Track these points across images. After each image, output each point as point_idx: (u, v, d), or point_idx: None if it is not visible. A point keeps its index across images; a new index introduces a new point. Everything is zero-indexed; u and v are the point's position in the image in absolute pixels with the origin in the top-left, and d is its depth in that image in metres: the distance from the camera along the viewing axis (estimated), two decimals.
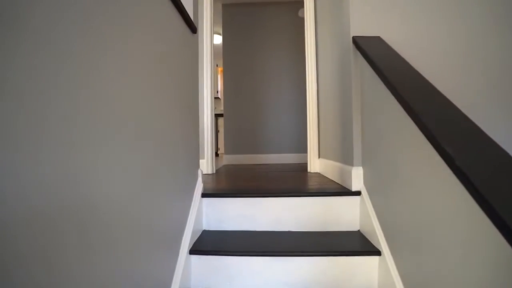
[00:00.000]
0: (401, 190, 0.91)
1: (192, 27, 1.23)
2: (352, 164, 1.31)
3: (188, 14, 1.14)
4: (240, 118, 3.21)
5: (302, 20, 3.21)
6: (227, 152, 3.21)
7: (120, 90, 0.65)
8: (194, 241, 1.18)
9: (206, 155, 2.17)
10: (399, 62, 1.04)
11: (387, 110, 1.01)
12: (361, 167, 1.28)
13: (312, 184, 1.54)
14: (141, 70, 0.75)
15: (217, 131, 5.35)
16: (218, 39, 4.57)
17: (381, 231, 1.09)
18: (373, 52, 1.11)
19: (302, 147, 3.13)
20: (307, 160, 3.08)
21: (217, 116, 5.39)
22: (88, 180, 0.51)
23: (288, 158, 3.14)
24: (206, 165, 2.17)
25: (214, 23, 4.09)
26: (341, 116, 1.51)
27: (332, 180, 1.66)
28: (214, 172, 2.26)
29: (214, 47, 4.91)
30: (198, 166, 1.35)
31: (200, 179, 1.33)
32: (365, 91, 1.22)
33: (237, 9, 3.26)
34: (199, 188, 1.30)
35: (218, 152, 5.30)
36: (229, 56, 3.24)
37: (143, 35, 0.76)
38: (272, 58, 3.20)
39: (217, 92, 5.87)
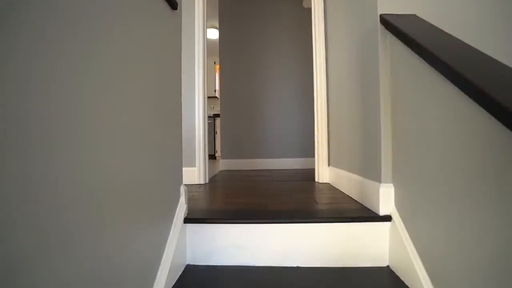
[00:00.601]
0: (464, 215, 0.61)
1: (172, 2, 0.94)
2: (379, 180, 1.02)
3: None
4: (238, 119, 2.92)
5: (307, 11, 2.91)
6: (224, 156, 2.92)
7: (84, 84, 0.37)
8: (173, 282, 0.89)
9: (198, 162, 1.88)
10: (456, 43, 0.75)
11: (438, 107, 0.71)
12: (391, 185, 0.99)
13: (324, 202, 1.24)
14: (101, 54, 0.47)
15: (214, 133, 5.06)
16: (215, 34, 4.29)
17: (423, 269, 0.81)
18: (415, 31, 0.82)
19: (307, 152, 2.84)
20: (312, 166, 2.79)
21: (215, 116, 5.12)
22: None
23: (292, 163, 2.85)
24: (197, 174, 1.87)
25: (210, 16, 3.80)
26: (362, 116, 1.21)
27: (348, 196, 1.37)
28: (207, 181, 1.96)
29: (211, 43, 4.63)
30: (180, 182, 1.06)
31: (183, 199, 1.04)
32: (400, 82, 0.92)
33: (235, 0, 2.97)
34: (181, 210, 1.01)
35: (216, 155, 5.02)
36: (226, 52, 2.95)
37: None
38: (274, 53, 2.91)
39: (215, 91, 5.58)
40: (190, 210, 1.13)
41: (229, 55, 2.95)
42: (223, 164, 2.90)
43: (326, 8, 1.86)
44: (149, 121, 0.78)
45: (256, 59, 2.93)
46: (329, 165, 1.85)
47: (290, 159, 2.86)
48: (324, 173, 1.84)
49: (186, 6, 1.89)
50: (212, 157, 4.86)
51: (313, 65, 1.93)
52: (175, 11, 0.99)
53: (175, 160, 1.01)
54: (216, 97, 5.47)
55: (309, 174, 2.31)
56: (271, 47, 2.92)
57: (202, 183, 1.88)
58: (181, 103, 1.08)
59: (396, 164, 0.96)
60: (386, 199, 0.98)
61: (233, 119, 2.93)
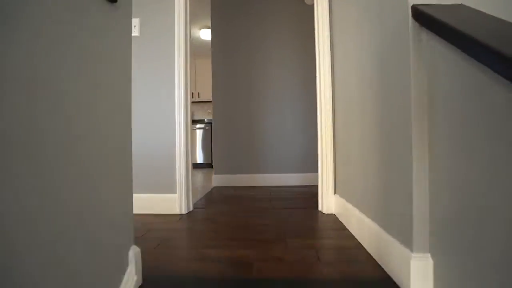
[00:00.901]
0: None
1: None
2: (409, 246, 0.70)
3: None
4: (233, 128, 2.62)
5: (310, 8, 2.60)
6: (217, 171, 2.62)
7: None
8: None
9: (179, 188, 1.58)
10: None
11: None
12: (428, 255, 0.67)
13: (329, 260, 0.93)
14: None
15: (211, 140, 4.78)
16: (208, 35, 4.00)
17: None
18: (471, 26, 0.51)
19: (309, 166, 2.53)
20: (315, 181, 2.48)
21: None
22: None
23: (293, 179, 2.53)
24: (178, 202, 1.58)
25: (203, 14, 3.51)
26: (381, 138, 0.90)
27: (360, 245, 1.05)
28: (191, 209, 1.67)
29: (204, 44, 4.33)
30: (129, 241, 0.76)
31: (132, 268, 0.74)
32: (443, 96, 0.61)
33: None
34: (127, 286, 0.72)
35: (213, 164, 4.72)
36: (219, 54, 2.65)
37: None
38: (272, 55, 2.60)
39: None
40: (150, 271, 0.83)
41: (222, 58, 2.65)
42: (216, 180, 2.61)
43: (332, 5, 1.55)
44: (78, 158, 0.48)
45: (252, 61, 2.62)
46: (335, 192, 1.53)
47: (291, 175, 2.54)
48: (329, 202, 1.53)
49: None
50: (209, 166, 4.57)
51: (316, 71, 1.63)
52: (114, 3, 0.70)
53: (121, 205, 0.71)
54: None
55: (312, 195, 1.99)
56: (269, 48, 2.61)
57: (184, 212, 1.58)
58: (129, 120, 0.78)
59: (437, 221, 0.65)
60: (421, 276, 0.67)
61: (227, 129, 2.63)
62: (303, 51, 2.58)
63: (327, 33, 1.56)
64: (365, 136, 1.05)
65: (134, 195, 1.59)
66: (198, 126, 4.50)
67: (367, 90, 1.02)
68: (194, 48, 4.54)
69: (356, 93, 1.15)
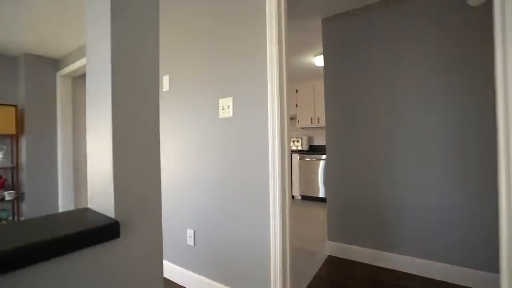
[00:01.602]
0: None
1: (111, 230, 0.47)
2: None
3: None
4: (350, 178, 2.10)
5: (475, 12, 1.70)
6: (331, 237, 2.19)
7: None
8: None
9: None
10: None
11: None
12: None
13: None
14: None
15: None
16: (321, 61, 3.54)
17: None
18: None
19: (467, 256, 1.64)
20: (472, 283, 1.58)
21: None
22: None
23: (435, 270, 1.72)
24: None
25: (315, 40, 3.12)
26: None
27: None
28: None
29: (318, 70, 3.84)
30: None
31: None
32: None
33: (342, 22, 2.17)
34: None
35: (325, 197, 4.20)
36: (331, 80, 2.21)
37: None
38: (407, 83, 1.89)
39: None
40: None
41: (335, 82, 2.20)
42: (329, 248, 2.18)
43: None
44: None
45: (378, 92, 2.01)
46: None
47: (434, 264, 1.74)
48: None
49: (256, 23, 1.40)
50: (317, 199, 4.11)
51: (496, 108, 0.93)
52: (117, 239, 0.52)
53: None
54: None
55: None
56: (402, 75, 1.91)
57: None
58: None
59: None
60: None
61: (343, 180, 2.15)
62: (462, 76, 1.71)
63: None
64: None
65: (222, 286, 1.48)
66: (322, 157, 4.09)
67: None
68: (311, 73, 4.21)
69: None
